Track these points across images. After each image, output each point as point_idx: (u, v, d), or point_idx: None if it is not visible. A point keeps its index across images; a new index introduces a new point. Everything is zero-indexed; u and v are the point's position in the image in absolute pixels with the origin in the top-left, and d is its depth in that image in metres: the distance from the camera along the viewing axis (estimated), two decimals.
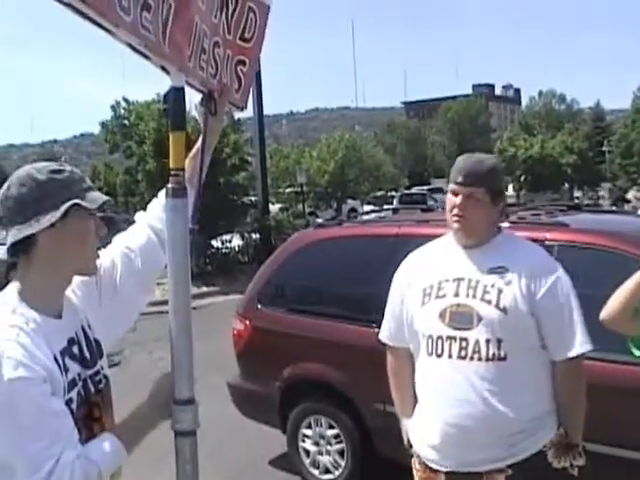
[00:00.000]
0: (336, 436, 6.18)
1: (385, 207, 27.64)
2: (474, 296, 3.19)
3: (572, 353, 3.18)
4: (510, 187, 67.64)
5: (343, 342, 5.97)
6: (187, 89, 2.34)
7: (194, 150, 2.61)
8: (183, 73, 2.29)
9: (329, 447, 6.24)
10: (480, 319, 3.15)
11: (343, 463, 6.16)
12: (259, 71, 23.78)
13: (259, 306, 6.73)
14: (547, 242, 4.96)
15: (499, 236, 3.37)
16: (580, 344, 3.18)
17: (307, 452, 6.37)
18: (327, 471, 6.27)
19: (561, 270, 3.26)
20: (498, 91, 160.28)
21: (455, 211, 3.27)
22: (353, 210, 43.46)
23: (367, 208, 44.07)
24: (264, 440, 7.12)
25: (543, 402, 3.25)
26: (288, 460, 6.64)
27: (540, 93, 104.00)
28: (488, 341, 3.13)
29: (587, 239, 5.06)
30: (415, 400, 3.45)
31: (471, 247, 3.31)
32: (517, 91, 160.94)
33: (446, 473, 3.27)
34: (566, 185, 68.68)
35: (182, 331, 2.28)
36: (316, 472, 6.32)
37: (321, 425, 6.27)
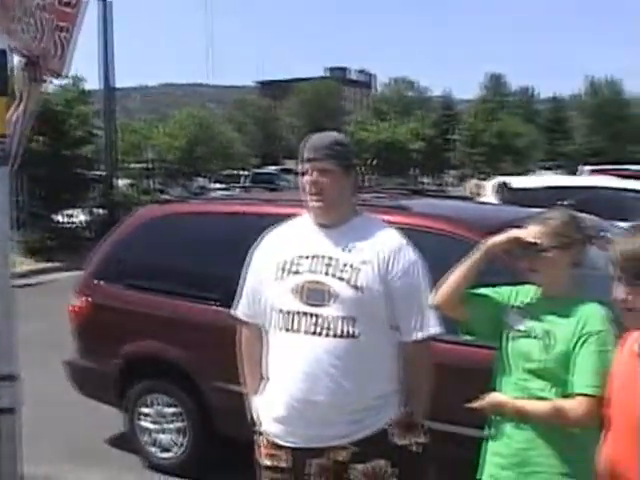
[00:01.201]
0: (175, 414, 6.11)
1: (234, 185, 27.51)
2: (329, 273, 3.23)
3: (422, 335, 3.27)
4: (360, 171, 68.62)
5: (184, 320, 5.91)
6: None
7: (13, 116, 2.48)
8: (7, 35, 2.18)
9: (168, 425, 6.16)
10: (334, 296, 3.19)
11: (182, 441, 6.11)
12: (106, 41, 23.29)
13: (98, 282, 6.56)
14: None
15: (358, 217, 3.42)
16: (431, 326, 3.29)
17: (146, 430, 6.26)
18: (166, 449, 6.20)
19: (417, 254, 3.34)
20: (353, 75, 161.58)
21: (311, 189, 3.29)
22: (202, 188, 43.02)
23: (216, 186, 43.82)
24: (102, 419, 6.97)
25: (390, 381, 3.31)
26: (127, 439, 6.53)
27: (393, 79, 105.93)
28: (341, 318, 3.17)
29: (426, 223, 5.18)
30: (263, 377, 3.45)
31: (329, 226, 3.34)
32: (371, 76, 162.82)
33: (292, 449, 3.28)
34: (414, 171, 70.24)
35: (1, 304, 2.18)
36: (155, 450, 6.24)
37: (160, 403, 6.18)
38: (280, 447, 3.33)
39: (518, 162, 68.09)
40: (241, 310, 3.59)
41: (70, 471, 6.33)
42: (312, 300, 3.22)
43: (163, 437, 6.20)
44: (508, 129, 73.36)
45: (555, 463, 3.10)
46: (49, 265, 19.05)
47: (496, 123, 73.93)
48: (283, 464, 3.32)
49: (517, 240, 3.21)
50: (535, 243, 3.17)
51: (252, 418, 3.52)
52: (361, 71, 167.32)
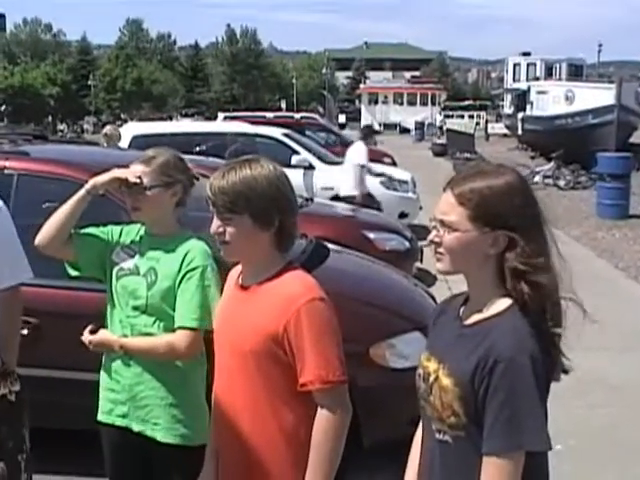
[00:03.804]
0: None
1: None
2: None
3: (11, 283, 3.09)
4: None
5: None
6: None
7: None
8: None
9: None
10: None
11: None
12: None
13: None
14: (6, 170, 4.94)
15: None
16: (20, 273, 3.14)
17: None
18: None
19: (1, 202, 3.13)
20: None
21: None
22: None
23: None
24: None
25: None
26: None
27: (25, 21, 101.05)
28: None
29: (43, 167, 5.11)
30: None
31: None
32: (1, 17, 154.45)
33: None
34: (50, 118, 68.00)
35: None
36: None
37: None
38: None
39: (157, 108, 68.31)
40: None
41: None
42: None
43: None
44: (146, 75, 73.15)
45: (163, 395, 3.22)
46: None
47: (134, 69, 73.41)
48: None
49: (119, 179, 3.22)
50: (137, 182, 3.20)
51: None
52: None
